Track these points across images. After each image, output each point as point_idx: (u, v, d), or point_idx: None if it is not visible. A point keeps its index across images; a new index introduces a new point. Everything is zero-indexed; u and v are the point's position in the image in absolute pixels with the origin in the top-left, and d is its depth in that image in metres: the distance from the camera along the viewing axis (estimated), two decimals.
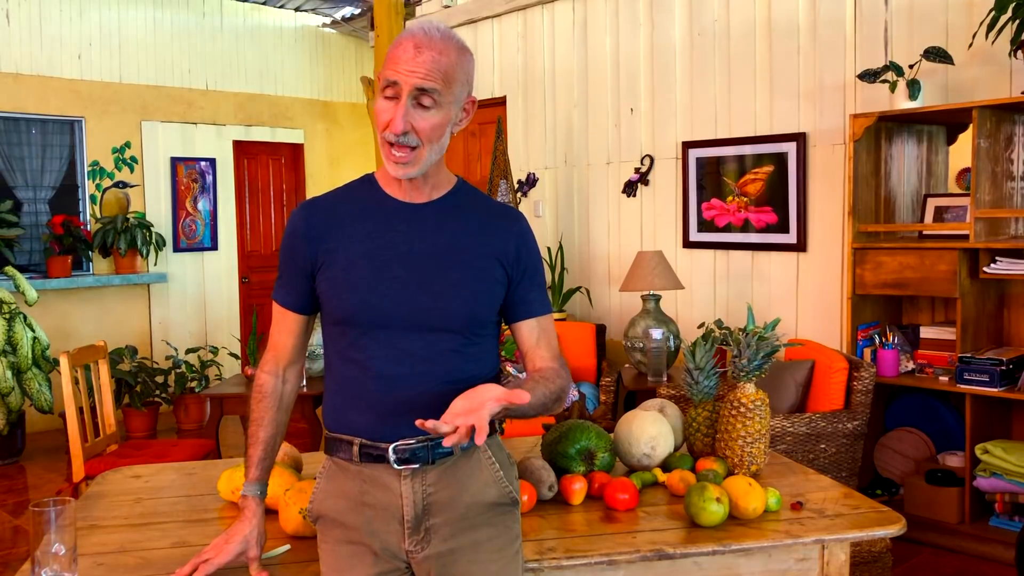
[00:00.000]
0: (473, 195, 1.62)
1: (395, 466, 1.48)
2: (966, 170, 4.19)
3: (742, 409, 2.07)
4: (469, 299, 1.53)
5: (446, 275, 1.52)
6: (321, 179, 7.90)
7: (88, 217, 6.56)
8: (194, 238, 7.18)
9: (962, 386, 3.60)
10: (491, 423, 1.58)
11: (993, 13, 3.47)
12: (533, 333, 1.61)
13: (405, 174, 1.49)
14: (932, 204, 4.12)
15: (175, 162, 7.04)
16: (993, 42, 3.59)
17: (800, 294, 4.58)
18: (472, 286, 1.53)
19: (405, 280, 1.51)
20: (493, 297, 1.57)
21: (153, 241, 6.65)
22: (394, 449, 1.48)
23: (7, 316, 5.31)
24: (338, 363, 1.56)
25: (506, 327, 1.66)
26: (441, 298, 1.51)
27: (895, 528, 1.81)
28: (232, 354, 6.96)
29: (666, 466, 2.15)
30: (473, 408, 1.31)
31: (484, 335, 1.57)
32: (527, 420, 4.26)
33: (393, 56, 1.46)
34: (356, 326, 1.52)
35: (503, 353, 4.34)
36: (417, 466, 1.49)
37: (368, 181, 1.61)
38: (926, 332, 4.02)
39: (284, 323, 1.64)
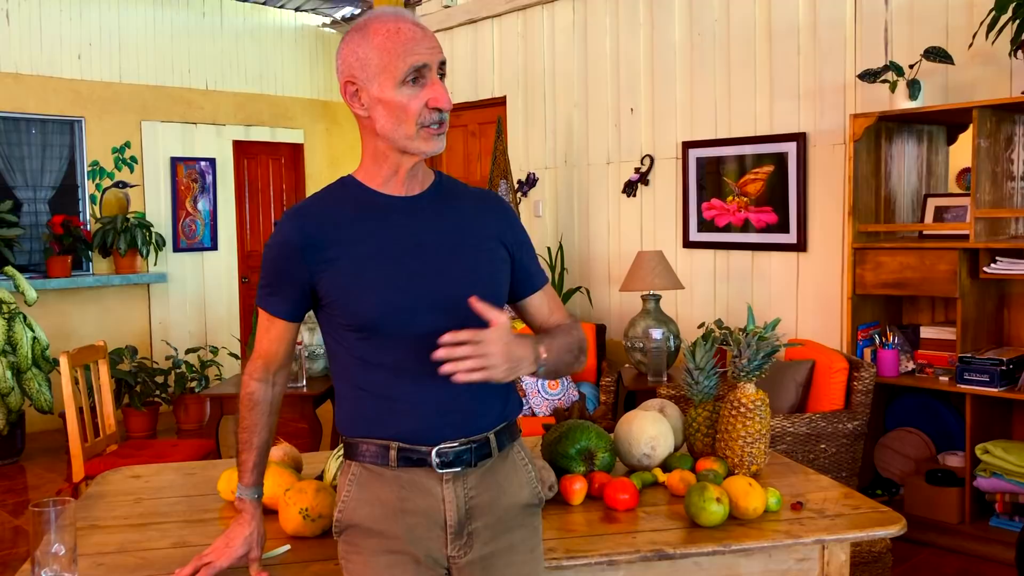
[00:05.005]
0: (454, 183, 1.63)
1: (438, 470, 1.45)
2: (966, 170, 4.19)
3: (742, 409, 2.07)
4: (488, 282, 1.53)
5: (460, 262, 1.51)
6: (321, 179, 7.88)
7: (88, 217, 6.55)
8: (194, 238, 7.17)
9: (962, 386, 3.60)
10: (512, 424, 1.58)
11: (993, 13, 3.47)
12: (544, 304, 1.65)
13: (440, 147, 1.50)
14: (932, 204, 4.12)
15: (175, 162, 7.03)
16: (993, 42, 3.59)
17: (800, 294, 4.58)
18: (487, 268, 1.55)
19: (422, 272, 1.48)
20: (505, 277, 1.59)
21: (153, 241, 6.65)
22: (438, 452, 1.45)
23: (7, 316, 5.31)
24: (355, 367, 1.50)
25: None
26: (461, 285, 1.47)
27: (895, 528, 1.81)
28: (232, 354, 6.96)
29: (666, 466, 2.15)
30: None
31: None
32: (527, 420, 4.28)
33: (403, 41, 1.44)
34: (379, 328, 1.46)
35: None
36: (459, 469, 1.47)
37: (350, 183, 1.54)
38: (926, 332, 4.01)
39: (274, 330, 1.58)
